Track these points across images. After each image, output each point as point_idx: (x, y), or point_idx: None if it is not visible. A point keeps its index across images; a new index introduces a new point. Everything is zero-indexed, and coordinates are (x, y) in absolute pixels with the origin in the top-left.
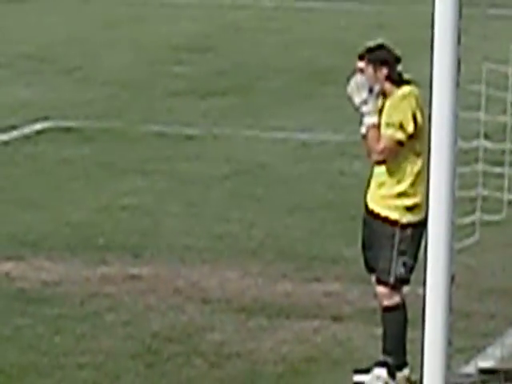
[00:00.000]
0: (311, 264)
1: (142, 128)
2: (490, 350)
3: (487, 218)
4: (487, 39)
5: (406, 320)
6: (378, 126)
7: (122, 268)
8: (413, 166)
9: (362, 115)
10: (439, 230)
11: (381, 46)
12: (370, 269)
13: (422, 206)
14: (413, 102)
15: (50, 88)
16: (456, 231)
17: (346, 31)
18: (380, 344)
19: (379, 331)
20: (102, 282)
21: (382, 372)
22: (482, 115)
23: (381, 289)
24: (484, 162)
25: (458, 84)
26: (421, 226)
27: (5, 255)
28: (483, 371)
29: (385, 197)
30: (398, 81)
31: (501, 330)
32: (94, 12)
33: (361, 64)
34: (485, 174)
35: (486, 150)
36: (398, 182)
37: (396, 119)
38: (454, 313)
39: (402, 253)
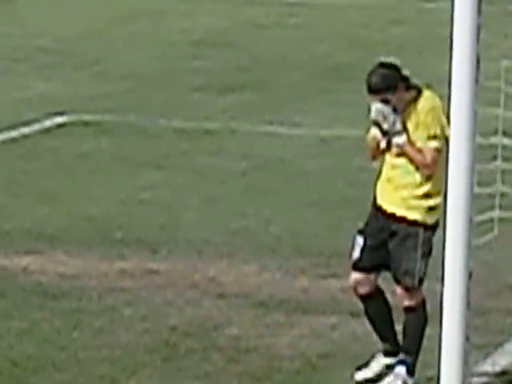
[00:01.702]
0: (329, 260)
1: (161, 122)
2: (507, 347)
3: (505, 214)
4: (507, 36)
5: (426, 320)
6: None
7: (139, 262)
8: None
9: (389, 134)
10: (457, 227)
11: (382, 70)
12: (363, 268)
13: (441, 207)
14: (440, 105)
15: (69, 82)
16: (474, 228)
17: (365, 27)
18: (400, 340)
19: (397, 327)
20: (120, 277)
21: (401, 370)
22: (500, 112)
23: (401, 290)
24: (503, 159)
25: (476, 80)
26: (437, 226)
27: (23, 249)
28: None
29: (407, 198)
30: (413, 86)
31: None
32: (113, 6)
33: (386, 97)
34: (503, 170)
35: (504, 146)
36: (422, 182)
37: (437, 130)
38: (472, 309)
39: (424, 254)
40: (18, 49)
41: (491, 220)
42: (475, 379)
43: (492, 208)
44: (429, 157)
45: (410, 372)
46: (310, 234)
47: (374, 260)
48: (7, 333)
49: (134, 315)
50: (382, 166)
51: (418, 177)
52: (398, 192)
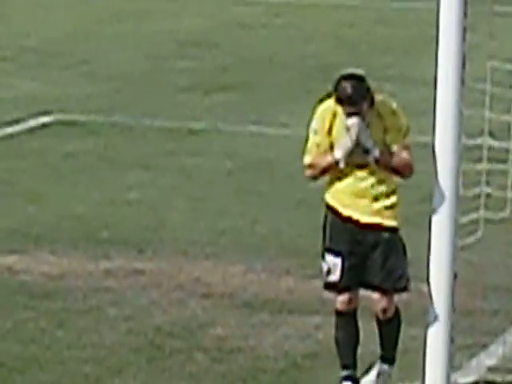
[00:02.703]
0: (314, 260)
1: (147, 122)
2: (492, 348)
3: (491, 215)
4: (492, 37)
5: (400, 322)
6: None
7: (125, 262)
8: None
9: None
10: (442, 228)
11: (355, 82)
12: (346, 288)
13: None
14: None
15: (55, 82)
16: (459, 229)
17: (352, 27)
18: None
19: None
20: (105, 277)
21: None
22: (486, 113)
23: (388, 300)
24: (488, 160)
25: (462, 81)
26: None
27: (8, 248)
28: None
29: (383, 207)
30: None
31: (503, 328)
32: (99, 6)
33: (362, 107)
34: (489, 171)
35: (490, 147)
36: (394, 189)
37: (405, 128)
38: (457, 310)
39: (406, 259)
40: (4, 48)
41: (476, 221)
42: (460, 380)
43: (477, 209)
44: (409, 155)
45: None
46: (295, 234)
47: (357, 277)
48: None
49: (119, 315)
50: (333, 179)
51: (389, 184)
52: (374, 202)
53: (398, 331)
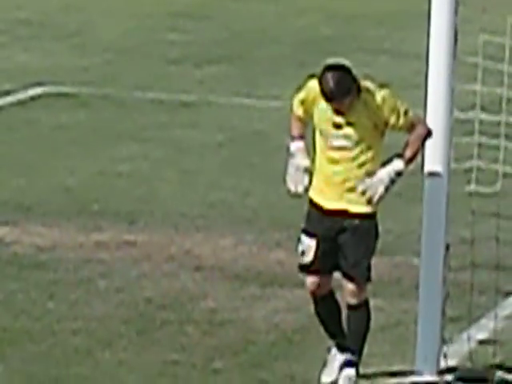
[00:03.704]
0: None
1: (138, 95)
2: (483, 321)
3: (482, 189)
4: (485, 11)
5: (369, 319)
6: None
7: (116, 234)
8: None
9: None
10: (434, 201)
11: (342, 75)
12: (316, 271)
13: None
14: None
15: (47, 53)
16: (451, 203)
17: (343, 0)
18: (372, 314)
19: (373, 301)
20: (96, 248)
21: (351, 372)
22: (478, 87)
23: (352, 286)
24: (480, 134)
25: (454, 55)
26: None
27: None
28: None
29: (351, 194)
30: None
31: (494, 302)
32: None
33: (346, 101)
34: (480, 145)
35: (481, 121)
36: (370, 172)
37: (402, 107)
38: (448, 284)
39: (374, 248)
40: None
41: (468, 194)
42: (451, 354)
43: (469, 183)
44: (417, 124)
45: (357, 372)
46: (286, 206)
47: (329, 262)
48: None
49: (110, 287)
50: (314, 158)
51: (366, 168)
52: (342, 187)
53: (364, 327)
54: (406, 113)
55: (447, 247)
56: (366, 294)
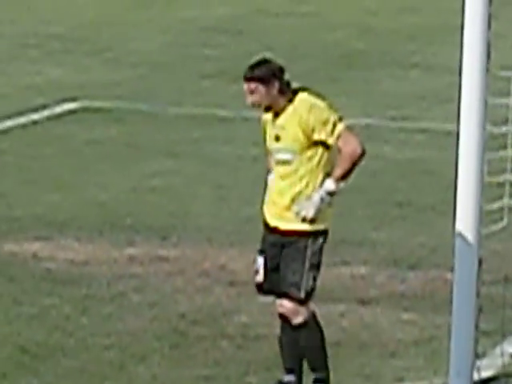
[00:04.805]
0: (339, 247)
1: (172, 110)
2: None
3: None
4: None
5: (321, 332)
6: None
7: (149, 249)
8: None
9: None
10: (467, 216)
11: (262, 61)
12: (269, 291)
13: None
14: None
15: (80, 68)
16: (484, 217)
17: (376, 15)
18: (406, 328)
19: (406, 315)
20: (130, 263)
21: None
22: (511, 101)
23: (288, 305)
24: None
25: (487, 69)
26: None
27: (33, 235)
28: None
29: (286, 211)
30: (291, 91)
31: None
32: None
33: (252, 85)
34: None
35: None
36: (308, 186)
37: (332, 119)
38: (481, 298)
39: (312, 266)
40: (29, 35)
41: (501, 209)
42: (484, 368)
43: (502, 197)
44: (347, 140)
45: None
46: None
47: (275, 282)
48: (16, 319)
49: (143, 302)
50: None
51: (307, 179)
52: (281, 204)
53: (319, 340)
54: (334, 125)
55: (480, 261)
56: (309, 310)
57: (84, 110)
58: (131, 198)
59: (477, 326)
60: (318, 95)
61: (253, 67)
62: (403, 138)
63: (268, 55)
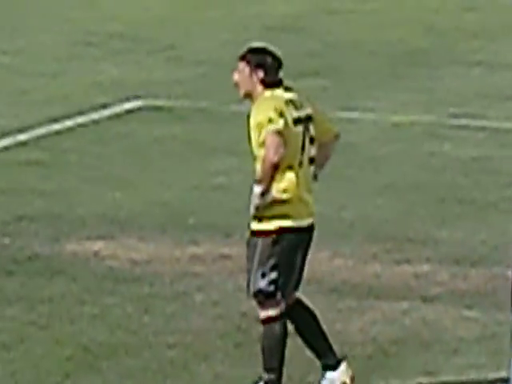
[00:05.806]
0: (401, 245)
1: (234, 108)
2: None
3: None
4: None
5: (282, 335)
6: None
7: (212, 247)
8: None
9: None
10: None
11: (261, 49)
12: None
13: (302, 211)
14: (280, 103)
15: (142, 67)
16: None
17: (438, 13)
18: (468, 326)
19: (468, 313)
20: (192, 262)
21: None
22: None
23: (254, 301)
24: None
25: None
26: (301, 233)
27: (95, 234)
28: None
29: (251, 210)
30: (273, 85)
31: None
32: None
33: (241, 65)
34: None
35: None
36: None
37: (260, 125)
38: None
39: (261, 265)
40: (91, 34)
41: None
42: None
43: None
44: (270, 151)
45: None
46: (382, 219)
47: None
48: (79, 318)
49: (206, 300)
50: None
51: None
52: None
53: (268, 343)
54: (262, 128)
55: None
56: (272, 309)
57: (146, 108)
58: (194, 196)
59: None
60: (275, 99)
61: (250, 50)
62: (465, 135)
63: (271, 48)
